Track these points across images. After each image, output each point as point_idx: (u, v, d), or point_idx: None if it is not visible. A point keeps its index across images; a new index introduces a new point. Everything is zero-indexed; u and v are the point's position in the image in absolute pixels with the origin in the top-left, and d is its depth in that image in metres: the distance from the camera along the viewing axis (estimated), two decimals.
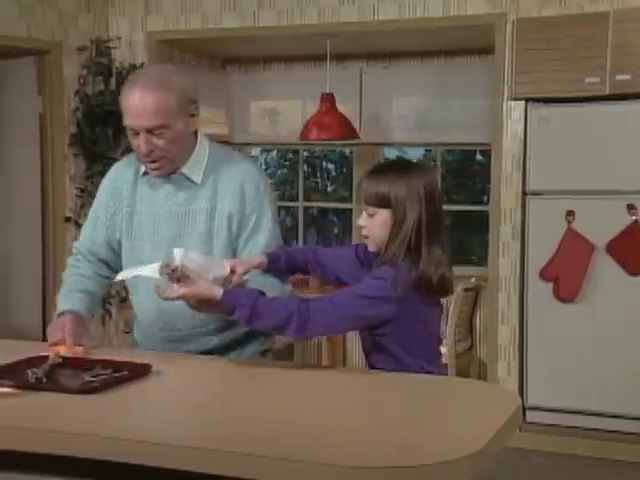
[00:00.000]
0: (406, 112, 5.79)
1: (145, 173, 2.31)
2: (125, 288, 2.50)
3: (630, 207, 4.22)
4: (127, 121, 2.17)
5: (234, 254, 2.26)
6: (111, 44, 5.15)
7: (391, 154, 6.47)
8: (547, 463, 4.24)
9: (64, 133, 5.11)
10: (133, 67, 5.15)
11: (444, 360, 4.91)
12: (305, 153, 6.64)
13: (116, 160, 5.12)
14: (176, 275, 1.96)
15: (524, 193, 4.50)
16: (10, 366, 1.97)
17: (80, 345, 2.14)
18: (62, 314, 2.27)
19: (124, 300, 4.81)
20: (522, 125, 4.47)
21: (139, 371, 1.93)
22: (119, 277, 2.20)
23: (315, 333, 2.00)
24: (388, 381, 2.00)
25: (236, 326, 2.17)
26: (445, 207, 6.89)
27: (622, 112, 4.23)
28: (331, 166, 7.00)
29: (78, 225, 5.14)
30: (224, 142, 6.20)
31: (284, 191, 7.05)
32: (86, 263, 2.42)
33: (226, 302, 1.93)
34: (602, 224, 4.26)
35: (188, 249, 2.05)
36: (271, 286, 2.18)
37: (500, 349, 4.67)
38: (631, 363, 4.23)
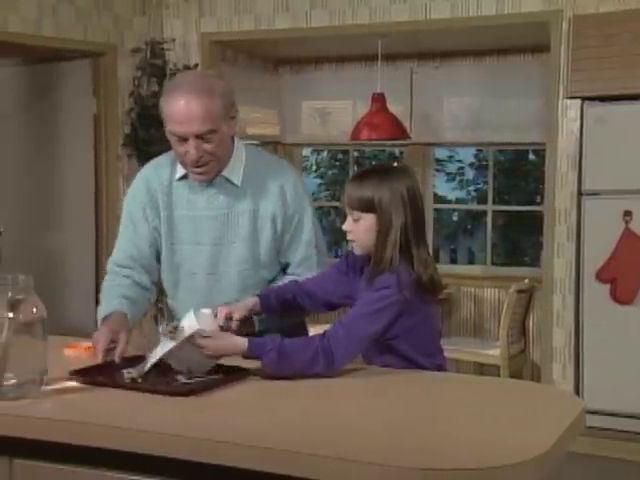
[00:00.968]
0: (457, 112, 5.75)
1: (182, 178, 2.30)
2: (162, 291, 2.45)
3: None
4: (173, 128, 2.15)
5: (278, 253, 2.30)
6: (165, 46, 5.21)
7: (442, 154, 6.44)
8: (602, 468, 4.16)
9: (118, 134, 5.18)
10: (187, 68, 5.20)
11: (497, 362, 4.88)
12: (355, 153, 6.63)
13: None
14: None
15: (580, 193, 4.43)
16: (105, 365, 1.97)
17: (113, 342, 2.06)
18: (104, 320, 2.20)
19: None
20: (578, 124, 4.40)
21: (235, 374, 1.92)
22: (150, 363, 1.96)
23: (342, 364, 1.95)
24: (440, 381, 1.99)
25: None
26: (497, 207, 6.84)
27: None
28: None
29: None
30: (276, 142, 6.25)
31: (334, 191, 7.06)
32: (123, 276, 2.35)
33: (253, 351, 1.92)
34: None
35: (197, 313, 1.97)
36: None
37: (555, 351, 4.60)
38: None
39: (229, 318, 2.06)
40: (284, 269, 2.36)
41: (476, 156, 6.56)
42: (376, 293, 1.99)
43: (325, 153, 7.11)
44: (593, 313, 4.38)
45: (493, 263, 5.95)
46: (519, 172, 6.52)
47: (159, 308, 4.37)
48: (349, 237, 2.10)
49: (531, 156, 6.42)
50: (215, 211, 2.28)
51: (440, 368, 2.10)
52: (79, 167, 5.24)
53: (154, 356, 1.92)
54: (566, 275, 4.55)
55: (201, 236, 2.28)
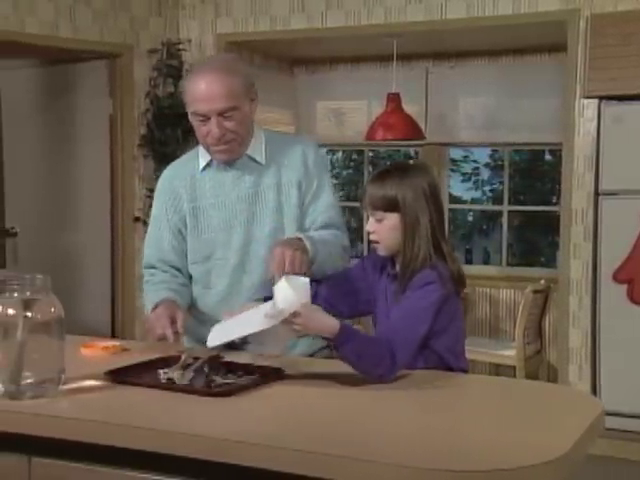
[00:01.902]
0: (473, 112, 5.73)
1: (205, 167, 2.33)
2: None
3: None
4: (196, 108, 2.20)
5: (302, 220, 2.30)
6: (181, 46, 5.22)
7: (457, 154, 6.42)
8: (619, 470, 4.13)
9: (134, 134, 5.20)
10: None
11: (513, 363, 4.85)
12: (370, 153, 6.62)
13: None
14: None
15: (596, 193, 4.40)
16: (143, 365, 1.98)
17: (176, 333, 2.12)
18: (155, 307, 2.24)
19: None
20: (595, 124, 4.37)
21: (271, 375, 1.91)
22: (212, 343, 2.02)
23: (401, 367, 1.92)
24: (459, 382, 1.98)
25: None
26: (513, 208, 6.80)
27: None
28: None
29: (147, 225, 5.21)
30: None
31: (349, 192, 7.05)
32: (160, 273, 2.38)
33: (340, 338, 1.84)
34: None
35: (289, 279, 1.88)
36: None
37: (571, 352, 4.57)
38: None
39: None
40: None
41: (491, 156, 6.53)
42: (420, 290, 1.97)
43: (340, 153, 7.10)
44: (610, 314, 4.35)
45: (509, 264, 5.93)
46: (535, 172, 6.48)
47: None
48: (372, 238, 2.08)
49: (547, 156, 6.38)
50: (243, 191, 2.31)
51: (463, 371, 2.08)
52: (95, 167, 5.26)
53: (240, 330, 1.90)
54: (582, 276, 4.52)
55: (233, 218, 2.31)
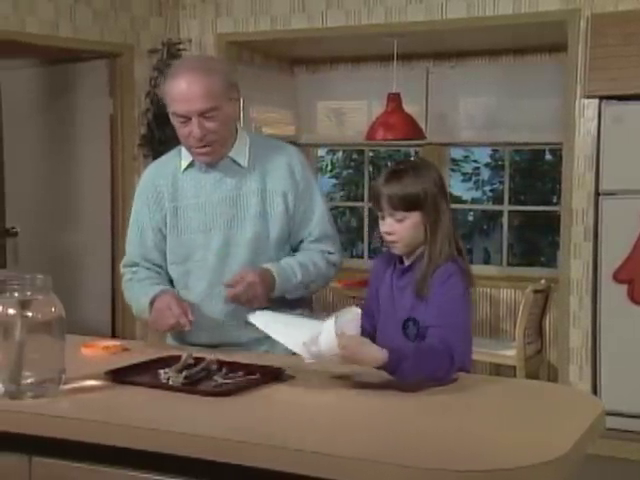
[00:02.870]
0: (473, 112, 5.72)
1: (187, 168, 2.32)
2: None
3: None
4: (177, 108, 2.18)
5: (290, 231, 2.31)
6: (181, 46, 5.22)
7: (457, 154, 6.42)
8: (620, 470, 4.13)
9: (134, 134, 5.19)
10: None
11: (513, 363, 4.85)
12: (370, 153, 6.62)
13: None
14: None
15: (597, 193, 4.40)
16: (142, 365, 1.97)
17: (190, 321, 2.13)
18: (153, 301, 2.22)
19: None
20: (595, 123, 4.37)
21: (271, 375, 1.91)
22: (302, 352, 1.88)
23: (462, 356, 1.93)
24: (461, 383, 1.97)
25: None
26: (513, 208, 6.79)
27: None
28: None
29: None
30: (291, 142, 6.23)
31: (349, 191, 7.05)
32: (144, 270, 2.37)
33: (391, 365, 1.81)
34: None
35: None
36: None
37: (572, 352, 4.57)
38: None
39: None
40: (294, 249, 2.36)
41: (492, 156, 6.54)
42: (447, 284, 1.98)
43: (340, 153, 7.10)
44: (610, 314, 4.35)
45: (509, 263, 5.92)
46: (535, 172, 6.48)
47: None
48: (391, 238, 2.06)
49: (548, 156, 6.38)
50: (224, 193, 2.29)
51: (466, 371, 2.06)
52: (95, 167, 5.26)
53: (278, 333, 1.90)
54: (583, 275, 4.52)
55: (212, 221, 2.30)
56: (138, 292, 2.33)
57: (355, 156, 6.94)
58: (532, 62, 5.50)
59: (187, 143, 2.25)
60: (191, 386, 1.83)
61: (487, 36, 5.13)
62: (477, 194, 6.69)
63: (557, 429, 1.61)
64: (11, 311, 1.73)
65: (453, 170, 6.35)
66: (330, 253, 2.36)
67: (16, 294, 1.74)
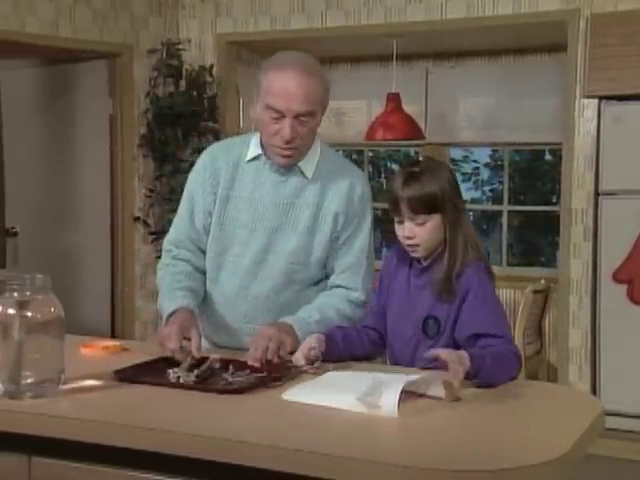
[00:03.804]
0: (473, 112, 5.73)
1: (252, 159, 2.24)
2: None
3: None
4: (275, 103, 2.08)
5: (328, 254, 2.23)
6: (181, 46, 5.22)
7: (457, 154, 6.41)
8: (620, 470, 4.13)
9: (134, 134, 5.20)
10: (202, 69, 5.23)
11: None
12: (370, 153, 6.62)
13: (185, 161, 5.20)
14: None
15: (597, 193, 4.40)
16: (150, 364, 1.97)
17: (186, 338, 2.02)
18: (172, 315, 2.13)
19: None
20: (595, 123, 4.38)
21: (279, 372, 1.90)
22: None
23: (519, 354, 1.96)
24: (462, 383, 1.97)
25: None
26: (513, 208, 6.76)
27: None
28: (395, 167, 6.96)
29: (147, 225, 5.22)
30: None
31: None
32: (182, 260, 2.28)
33: (473, 365, 1.81)
34: None
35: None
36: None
37: (571, 352, 4.57)
38: None
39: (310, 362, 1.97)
40: (327, 275, 2.28)
41: (491, 156, 6.53)
42: (481, 286, 1.99)
43: (340, 153, 7.10)
44: (610, 314, 4.35)
45: (509, 263, 5.92)
46: (535, 172, 6.47)
47: None
48: (412, 242, 2.02)
49: (547, 156, 6.38)
50: (280, 198, 2.21)
51: None
52: (95, 167, 5.27)
53: (325, 397, 1.69)
54: (582, 276, 4.52)
55: (259, 221, 2.22)
56: (165, 290, 2.23)
57: (355, 156, 6.93)
58: (532, 62, 5.50)
59: (271, 140, 2.15)
60: (203, 385, 1.83)
61: (487, 36, 5.14)
62: (477, 194, 6.68)
63: (556, 429, 1.61)
64: (10, 311, 1.73)
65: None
66: (351, 289, 2.23)
67: (15, 294, 1.74)
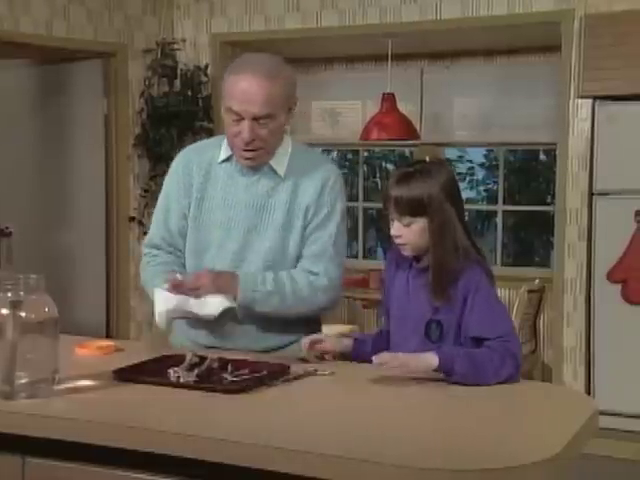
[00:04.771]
0: (468, 112, 5.74)
1: (224, 160, 2.27)
2: None
3: None
4: (232, 105, 2.13)
5: (303, 243, 2.25)
6: (176, 46, 5.22)
7: (452, 154, 6.42)
8: (614, 469, 4.14)
9: (129, 134, 5.19)
10: (197, 69, 5.22)
11: None
12: (365, 153, 6.62)
13: None
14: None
15: (591, 193, 4.41)
16: (150, 363, 1.97)
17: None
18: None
19: None
20: (589, 123, 4.39)
21: (278, 372, 1.90)
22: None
23: (519, 354, 1.96)
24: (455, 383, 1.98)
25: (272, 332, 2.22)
26: (507, 207, 6.77)
27: None
28: (391, 166, 6.97)
29: (142, 224, 5.22)
30: None
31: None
32: (164, 254, 2.33)
33: (445, 365, 1.87)
34: None
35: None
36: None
37: (566, 352, 4.58)
38: None
39: (321, 357, 2.09)
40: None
41: (486, 156, 6.54)
42: (480, 290, 1.99)
43: (335, 153, 7.10)
44: (604, 313, 4.36)
45: (503, 263, 5.93)
46: (530, 172, 6.49)
47: None
48: (399, 241, 2.05)
49: (542, 156, 6.39)
50: (253, 198, 2.24)
51: None
52: (90, 167, 5.26)
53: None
54: (577, 275, 4.53)
55: (234, 222, 2.24)
56: (152, 281, 2.27)
57: (350, 156, 6.94)
58: (526, 62, 5.51)
59: (233, 142, 2.19)
60: (204, 384, 1.83)
61: (481, 36, 5.15)
62: (471, 194, 6.69)
63: (550, 429, 1.61)
64: (4, 311, 1.73)
65: None
66: (314, 274, 2.22)
67: (9, 294, 1.73)
